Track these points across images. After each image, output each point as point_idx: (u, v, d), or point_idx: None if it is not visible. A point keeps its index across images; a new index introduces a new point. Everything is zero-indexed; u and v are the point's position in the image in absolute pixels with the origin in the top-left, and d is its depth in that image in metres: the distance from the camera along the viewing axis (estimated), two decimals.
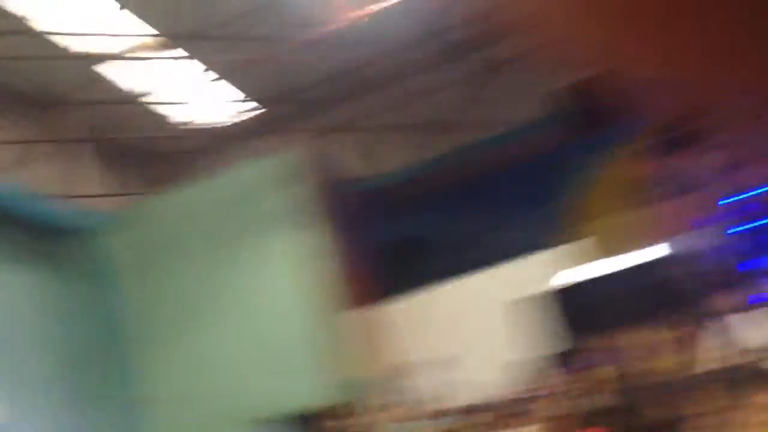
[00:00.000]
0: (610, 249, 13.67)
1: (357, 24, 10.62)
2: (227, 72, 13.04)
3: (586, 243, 13.00)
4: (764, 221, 13.11)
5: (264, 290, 12.11)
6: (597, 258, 13.26)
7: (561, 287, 11.57)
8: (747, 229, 12.90)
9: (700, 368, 6.89)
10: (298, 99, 14.37)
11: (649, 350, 7.86)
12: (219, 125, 13.68)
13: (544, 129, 13.62)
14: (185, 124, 14.07)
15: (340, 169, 14.52)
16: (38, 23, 11.03)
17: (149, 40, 11.59)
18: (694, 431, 3.77)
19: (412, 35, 12.09)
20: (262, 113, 13.80)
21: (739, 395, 3.86)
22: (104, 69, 12.56)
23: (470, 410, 10.46)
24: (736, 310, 10.17)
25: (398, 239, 15.09)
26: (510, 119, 13.95)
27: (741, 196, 13.02)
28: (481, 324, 12.20)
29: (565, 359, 10.93)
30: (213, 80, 13.19)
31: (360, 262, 13.82)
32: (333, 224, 12.94)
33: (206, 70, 12.93)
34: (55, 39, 11.38)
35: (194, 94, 12.91)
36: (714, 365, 6.50)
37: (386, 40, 12.25)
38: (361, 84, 13.95)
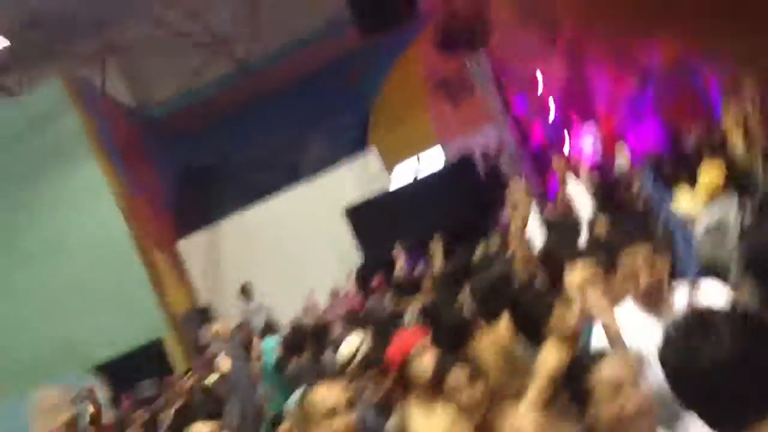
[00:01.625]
0: (400, 154, 13.85)
1: None
2: None
3: (385, 150, 12.99)
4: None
5: (71, 229, 11.20)
6: (390, 165, 13.34)
7: (360, 203, 11.50)
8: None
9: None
10: (52, 25, 12.82)
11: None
12: None
13: (331, 36, 13.32)
14: None
15: (110, 98, 13.38)
16: None
17: None
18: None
19: None
20: (14, 44, 12.15)
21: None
22: None
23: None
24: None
25: (192, 168, 14.29)
26: (292, 29, 13.45)
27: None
28: (300, 240, 11.93)
29: (374, 269, 10.91)
30: None
31: (156, 195, 12.98)
32: (117, 157, 11.99)
33: None
34: None
35: None
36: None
37: None
38: (126, 3, 12.71)
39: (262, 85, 13.80)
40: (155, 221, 12.40)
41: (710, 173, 5.29)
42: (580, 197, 5.69)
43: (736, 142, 4.12)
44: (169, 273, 12.01)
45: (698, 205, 5.06)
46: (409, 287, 6.60)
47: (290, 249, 11.94)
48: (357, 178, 12.00)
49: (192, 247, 12.62)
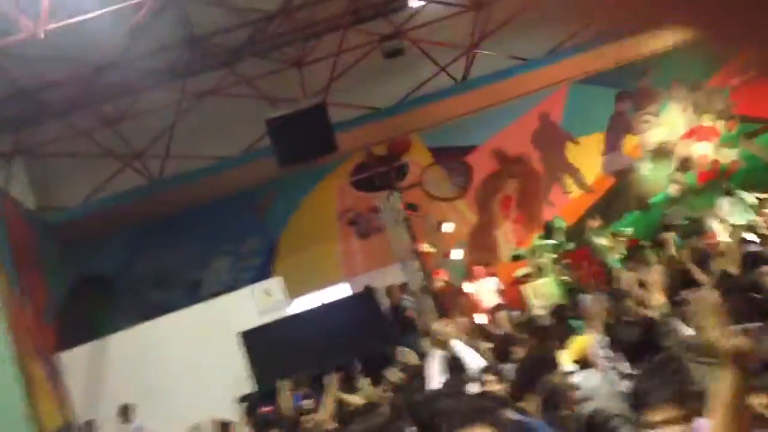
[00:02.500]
0: (304, 286, 13.72)
1: (48, 38, 9.35)
2: None
3: (289, 280, 12.84)
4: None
5: None
6: (293, 295, 13.16)
7: (258, 327, 11.24)
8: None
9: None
10: None
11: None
12: None
13: (246, 162, 13.42)
14: None
15: (12, 198, 12.93)
16: None
17: None
18: None
19: (110, 56, 11.07)
20: None
21: None
22: None
23: None
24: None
25: (85, 278, 13.75)
26: (209, 151, 13.51)
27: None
28: (191, 362, 11.43)
29: (259, 399, 10.59)
30: None
31: (44, 302, 12.37)
32: (8, 259, 11.45)
33: None
34: None
35: None
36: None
37: (79, 60, 11.16)
38: (43, 106, 12.54)
39: (171, 202, 13.64)
40: (38, 329, 11.74)
41: (578, 343, 5.50)
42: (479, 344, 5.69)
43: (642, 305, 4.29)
44: (44, 384, 11.28)
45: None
46: (293, 424, 6.39)
47: (179, 371, 11.42)
48: (257, 304, 11.72)
49: (74, 359, 11.92)
